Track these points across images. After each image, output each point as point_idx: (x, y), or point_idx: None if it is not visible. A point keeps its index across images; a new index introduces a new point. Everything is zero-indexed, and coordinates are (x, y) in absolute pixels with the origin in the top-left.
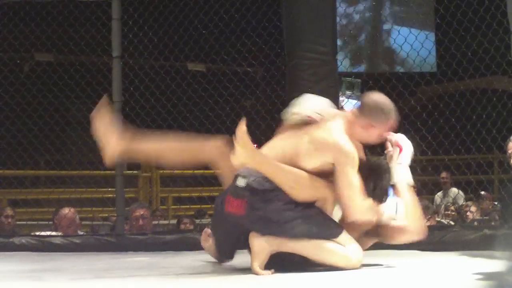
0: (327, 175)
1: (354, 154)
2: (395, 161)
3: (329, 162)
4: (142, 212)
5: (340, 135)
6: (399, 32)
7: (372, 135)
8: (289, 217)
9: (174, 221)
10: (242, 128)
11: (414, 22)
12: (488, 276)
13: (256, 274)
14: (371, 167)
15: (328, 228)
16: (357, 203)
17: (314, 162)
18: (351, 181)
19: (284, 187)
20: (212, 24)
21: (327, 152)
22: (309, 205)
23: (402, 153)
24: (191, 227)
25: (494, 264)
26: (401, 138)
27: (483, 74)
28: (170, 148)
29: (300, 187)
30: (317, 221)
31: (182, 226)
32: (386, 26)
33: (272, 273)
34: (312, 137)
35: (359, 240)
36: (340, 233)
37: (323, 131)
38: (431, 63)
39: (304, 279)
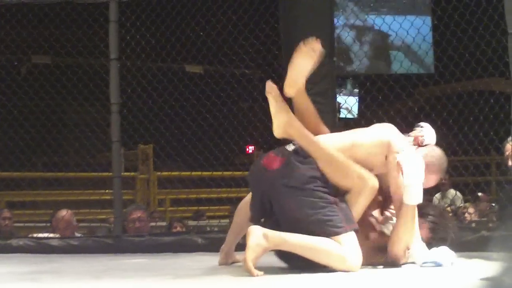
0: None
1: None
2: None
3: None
4: (139, 215)
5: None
6: (396, 34)
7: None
8: (307, 193)
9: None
10: (272, 86)
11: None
12: (485, 278)
13: (247, 269)
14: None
15: (338, 220)
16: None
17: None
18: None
19: (317, 159)
20: (210, 26)
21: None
22: (335, 194)
23: (405, 173)
24: (183, 230)
25: (491, 265)
26: (405, 157)
27: (480, 76)
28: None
29: (332, 169)
30: (333, 209)
31: (174, 230)
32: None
33: (262, 275)
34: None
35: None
36: (347, 231)
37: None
38: (428, 64)
39: (298, 281)
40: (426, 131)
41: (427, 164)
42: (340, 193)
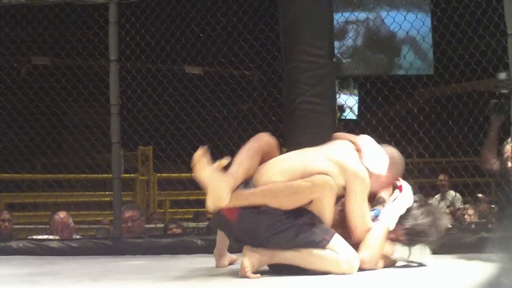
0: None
1: (368, 181)
2: (391, 199)
3: (341, 184)
4: (131, 214)
5: (359, 165)
6: (397, 35)
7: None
8: (279, 229)
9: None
10: (199, 156)
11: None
12: (484, 279)
13: (244, 274)
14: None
15: (317, 237)
16: (362, 230)
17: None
18: (360, 208)
19: (267, 204)
20: (209, 27)
21: (343, 175)
22: (300, 214)
23: (399, 198)
24: (179, 231)
25: (490, 266)
26: (405, 186)
27: (480, 77)
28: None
29: (282, 199)
30: (306, 230)
31: (169, 232)
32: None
33: (260, 277)
34: (333, 158)
35: None
36: (329, 240)
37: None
38: (428, 66)
39: (295, 283)
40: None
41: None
42: (305, 210)
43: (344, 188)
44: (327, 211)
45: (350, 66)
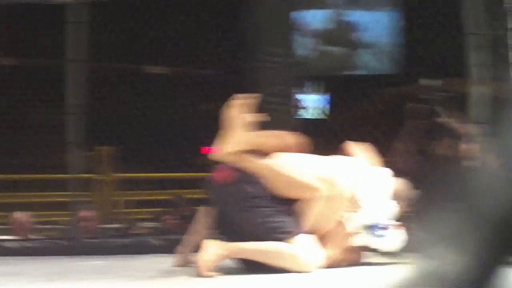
0: None
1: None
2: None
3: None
4: (88, 214)
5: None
6: (364, 34)
7: None
8: (258, 204)
9: (128, 225)
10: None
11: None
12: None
13: (200, 273)
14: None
15: (285, 226)
16: None
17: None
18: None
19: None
20: (173, 28)
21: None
22: (284, 202)
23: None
24: (136, 231)
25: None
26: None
27: (446, 76)
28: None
29: (280, 183)
30: (280, 216)
31: (128, 232)
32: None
33: (217, 276)
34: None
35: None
36: (295, 235)
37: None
38: (394, 65)
39: (252, 282)
40: None
41: None
42: (290, 202)
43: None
44: (309, 215)
45: (314, 65)
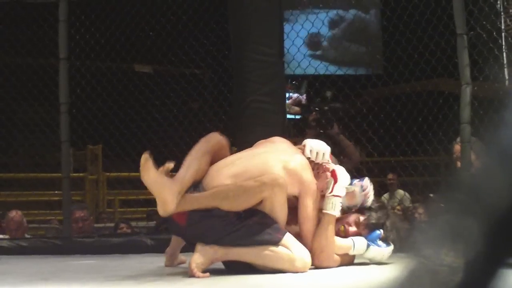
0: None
1: (315, 188)
2: (329, 191)
3: (293, 194)
4: (82, 214)
5: (309, 172)
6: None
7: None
8: (230, 230)
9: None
10: (146, 158)
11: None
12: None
13: (192, 275)
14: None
15: (269, 236)
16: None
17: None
18: (310, 214)
19: (218, 206)
20: (159, 26)
21: (296, 185)
22: (251, 214)
23: (336, 185)
24: (129, 231)
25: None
26: (338, 170)
27: (429, 76)
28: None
29: (232, 200)
30: (259, 230)
31: (119, 231)
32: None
33: (208, 276)
34: (287, 166)
35: None
36: (281, 238)
37: (299, 164)
38: (377, 65)
39: (243, 283)
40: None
41: None
42: (256, 210)
43: (295, 197)
44: (278, 210)
45: (300, 65)
